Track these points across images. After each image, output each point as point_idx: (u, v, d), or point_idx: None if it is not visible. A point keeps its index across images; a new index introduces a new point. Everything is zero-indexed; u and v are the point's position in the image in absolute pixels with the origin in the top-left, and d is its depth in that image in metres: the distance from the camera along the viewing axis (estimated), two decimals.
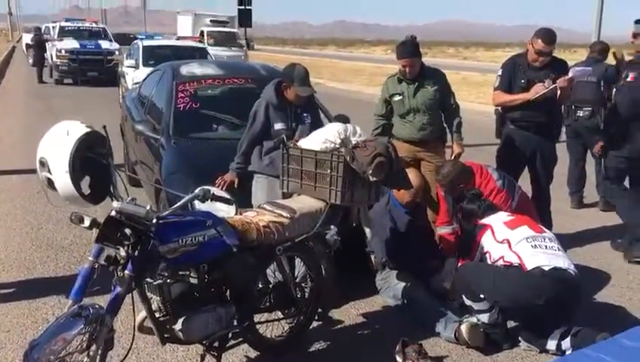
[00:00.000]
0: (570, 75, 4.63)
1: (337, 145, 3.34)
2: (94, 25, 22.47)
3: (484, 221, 3.74)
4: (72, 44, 18.78)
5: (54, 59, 18.62)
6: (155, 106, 5.67)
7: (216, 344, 3.07)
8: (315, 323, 3.77)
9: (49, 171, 2.54)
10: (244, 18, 30.43)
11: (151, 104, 5.88)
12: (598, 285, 4.52)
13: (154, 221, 2.57)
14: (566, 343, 3.36)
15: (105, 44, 19.43)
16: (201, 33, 23.77)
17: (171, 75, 5.63)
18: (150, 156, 5.12)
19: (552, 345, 3.41)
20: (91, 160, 2.64)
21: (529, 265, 3.38)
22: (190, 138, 4.97)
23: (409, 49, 4.51)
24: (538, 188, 5.07)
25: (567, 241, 5.30)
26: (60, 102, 13.93)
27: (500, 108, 5.07)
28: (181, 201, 2.77)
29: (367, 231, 3.55)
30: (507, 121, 4.98)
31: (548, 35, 4.63)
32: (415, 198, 4.16)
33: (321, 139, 3.41)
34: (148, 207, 2.58)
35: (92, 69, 18.47)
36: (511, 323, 3.67)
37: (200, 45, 14.52)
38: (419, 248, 4.15)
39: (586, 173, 6.56)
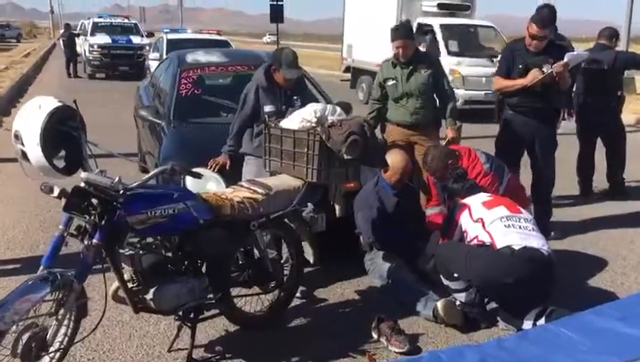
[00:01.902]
0: (565, 59, 4.58)
1: (314, 124, 3.39)
2: (126, 20, 22.94)
3: (465, 200, 3.75)
4: (104, 39, 19.27)
5: (87, 54, 19.12)
6: (161, 93, 5.83)
7: (192, 315, 3.17)
8: (298, 301, 3.85)
9: (22, 143, 2.66)
10: (276, 13, 30.52)
11: (158, 91, 6.05)
12: (593, 270, 4.47)
13: (120, 192, 2.67)
14: (541, 323, 3.35)
15: (136, 39, 19.86)
16: (420, 29, 12.19)
17: (177, 62, 5.78)
18: (153, 140, 5.26)
19: (527, 324, 3.40)
20: (66, 134, 2.75)
21: (499, 244, 3.38)
22: (190, 123, 5.09)
23: (402, 31, 4.56)
24: (537, 173, 5.05)
25: (570, 229, 5.30)
26: (88, 95, 14.25)
27: (499, 93, 5.06)
28: (149, 174, 2.87)
29: (338, 208, 3.59)
30: (505, 106, 4.97)
31: (542, 19, 4.59)
32: (402, 178, 4.18)
33: (298, 118, 3.47)
34: (116, 179, 2.69)
35: (123, 64, 18.91)
36: (492, 305, 3.68)
37: (221, 38, 14.69)
38: (405, 229, 4.18)
39: (594, 162, 6.46)
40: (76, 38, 20.83)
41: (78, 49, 20.55)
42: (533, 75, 4.64)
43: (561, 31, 6.01)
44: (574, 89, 6.24)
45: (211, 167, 4.26)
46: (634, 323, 2.75)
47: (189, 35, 15.33)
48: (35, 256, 4.56)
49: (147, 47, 18.99)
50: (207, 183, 4.11)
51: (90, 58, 18.87)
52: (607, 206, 6.11)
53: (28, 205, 5.74)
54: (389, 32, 4.61)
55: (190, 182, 4.06)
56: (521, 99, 4.80)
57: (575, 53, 4.74)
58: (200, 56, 5.90)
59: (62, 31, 23.16)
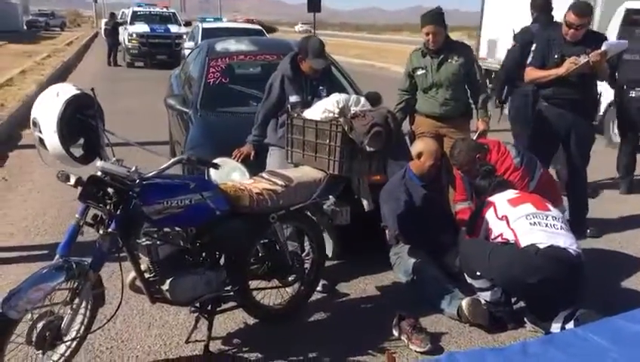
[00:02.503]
0: (603, 48, 4.37)
1: (336, 115, 3.30)
2: (165, 10, 23.15)
3: (491, 198, 3.61)
4: (142, 28, 19.50)
5: (126, 42, 19.38)
6: (190, 81, 5.81)
7: (209, 307, 3.14)
8: (319, 295, 3.79)
9: (40, 131, 2.65)
10: (314, 2, 30.23)
11: (187, 79, 6.04)
12: (629, 271, 4.27)
13: (137, 181, 2.64)
14: (570, 326, 3.20)
15: (174, 29, 20.04)
16: (628, 17, 8.30)
17: (206, 50, 5.75)
18: (180, 129, 5.25)
19: (556, 328, 3.26)
20: (85, 123, 2.73)
21: (523, 242, 3.24)
22: (218, 111, 5.06)
23: (433, 17, 4.41)
24: (573, 169, 4.86)
25: (608, 226, 5.10)
26: (125, 84, 14.50)
27: (533, 85, 4.88)
28: (165, 164, 2.82)
29: (365, 203, 3.50)
30: (540, 98, 4.79)
31: (580, 7, 4.39)
32: (435, 163, 4.05)
33: (321, 108, 3.39)
34: (133, 168, 2.66)
35: (161, 52, 19.09)
36: (520, 304, 3.55)
37: (256, 27, 14.67)
38: (433, 223, 4.06)
39: (636, 158, 6.20)
40: (119, 27, 21.13)
41: (119, 38, 20.86)
42: (569, 65, 4.45)
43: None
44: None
45: (236, 156, 4.21)
46: None
47: (224, 23, 15.38)
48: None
49: (184, 36, 19.12)
50: (232, 173, 4.07)
51: (129, 47, 19.13)
52: None
53: (60, 192, 5.79)
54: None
55: (214, 172, 4.04)
56: (557, 90, 4.61)
57: (615, 42, 4.52)
58: (229, 45, 5.87)
59: (105, 20, 23.53)
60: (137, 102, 11.02)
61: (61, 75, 16.20)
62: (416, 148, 4.11)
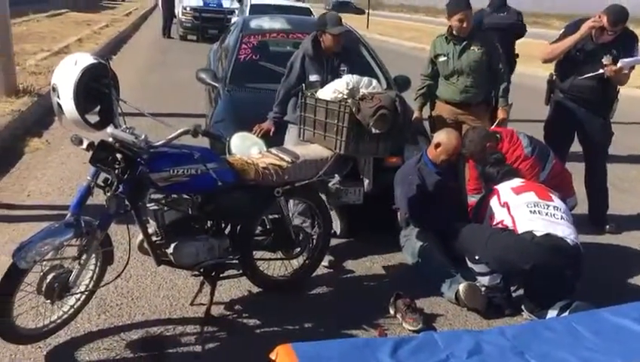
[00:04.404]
0: (619, 65, 4.34)
1: (345, 96, 3.39)
2: None
3: (497, 186, 3.65)
4: (196, 1, 19.72)
5: (180, 15, 19.71)
6: (224, 56, 5.96)
7: (213, 273, 3.30)
8: (325, 270, 3.91)
9: (58, 96, 2.83)
10: None
11: (222, 54, 6.18)
12: (636, 268, 4.23)
13: (144, 149, 2.80)
14: (565, 316, 3.23)
15: (226, 3, 20.20)
16: None
17: (240, 27, 5.88)
18: (209, 103, 5.42)
19: (551, 316, 3.30)
20: (100, 91, 2.90)
21: (521, 229, 3.28)
22: (246, 88, 5.19)
23: (463, 1, 4.38)
24: (590, 163, 4.85)
25: (630, 224, 5.05)
26: (176, 55, 14.81)
27: (553, 75, 4.87)
28: (173, 134, 2.96)
29: (366, 183, 3.58)
30: (557, 89, 4.77)
31: (616, 16, 4.32)
32: (450, 158, 4.09)
33: (331, 89, 3.48)
34: (142, 137, 2.82)
35: (213, 27, 19.25)
36: (520, 292, 3.59)
37: (304, 5, 14.72)
38: (444, 209, 4.10)
39: None
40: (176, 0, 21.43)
41: (175, 10, 21.18)
42: (588, 25, 4.44)
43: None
44: None
45: (256, 132, 4.34)
46: None
47: (273, 0, 15.45)
48: (93, 204, 4.87)
49: (236, 12, 19.29)
50: (251, 148, 4.21)
51: (183, 20, 19.42)
52: None
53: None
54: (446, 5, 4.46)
55: (234, 146, 4.19)
56: (573, 87, 4.60)
57: (630, 59, 4.41)
58: (264, 22, 5.98)
59: None
60: (184, 74, 11.26)
61: (117, 45, 16.67)
62: (437, 137, 4.11)
